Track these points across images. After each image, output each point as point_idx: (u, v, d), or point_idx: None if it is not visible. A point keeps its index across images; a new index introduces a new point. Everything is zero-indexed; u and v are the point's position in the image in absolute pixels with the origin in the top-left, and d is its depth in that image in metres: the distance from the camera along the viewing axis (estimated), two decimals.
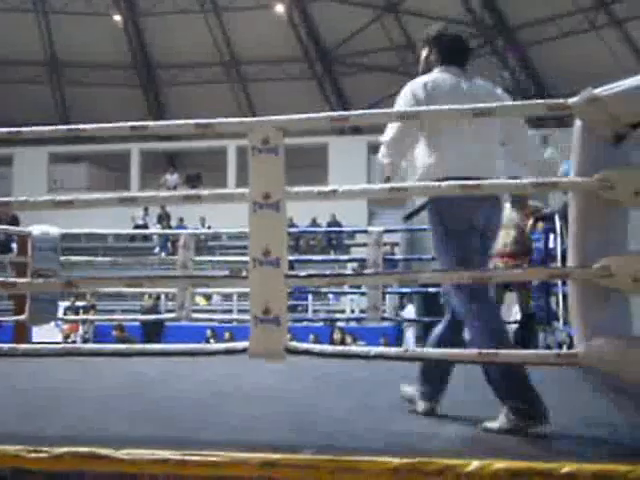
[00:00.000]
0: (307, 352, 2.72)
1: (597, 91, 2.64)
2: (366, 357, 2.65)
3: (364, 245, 8.93)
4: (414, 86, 3.24)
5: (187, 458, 2.45)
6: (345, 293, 14.07)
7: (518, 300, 7.31)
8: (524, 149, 3.35)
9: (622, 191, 2.61)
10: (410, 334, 15.84)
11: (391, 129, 3.22)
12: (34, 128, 3.20)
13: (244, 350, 2.85)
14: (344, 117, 2.79)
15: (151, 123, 2.81)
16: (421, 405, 3.35)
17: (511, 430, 2.87)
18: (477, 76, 3.39)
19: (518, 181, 3.09)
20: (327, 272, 16.70)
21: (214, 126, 2.99)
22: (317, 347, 2.71)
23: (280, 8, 23.43)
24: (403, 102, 3.22)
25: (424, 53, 3.48)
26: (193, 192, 3.31)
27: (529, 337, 7.04)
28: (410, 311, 15.71)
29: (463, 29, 22.57)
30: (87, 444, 2.54)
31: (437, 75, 3.31)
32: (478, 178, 2.95)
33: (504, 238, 7.19)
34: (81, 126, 3.10)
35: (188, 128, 2.97)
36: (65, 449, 2.52)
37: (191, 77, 24.79)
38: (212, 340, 13.06)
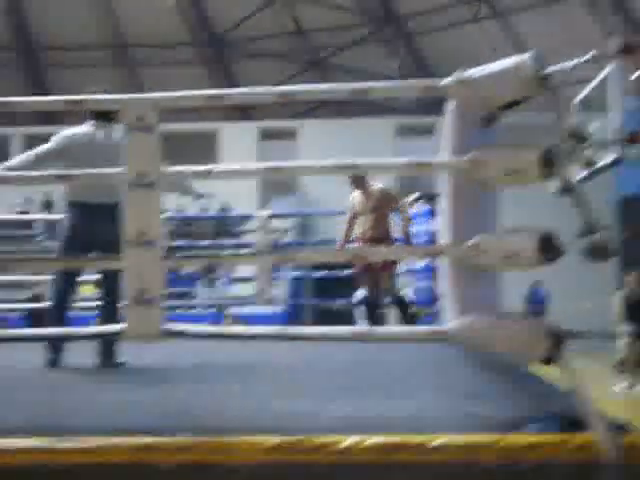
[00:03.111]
0: (183, 334, 2.68)
1: (468, 73, 2.69)
2: (244, 337, 2.63)
3: (255, 231, 8.91)
4: (63, 134, 4.65)
5: (56, 445, 2.36)
6: (233, 279, 14.00)
7: (382, 284, 7.21)
8: None
9: (492, 171, 2.68)
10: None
11: (40, 151, 4.63)
12: None
13: (119, 333, 2.78)
14: (220, 95, 2.76)
15: (16, 99, 2.69)
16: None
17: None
18: (119, 131, 4.28)
19: (396, 160, 3.13)
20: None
21: (87, 103, 2.89)
22: (193, 328, 2.67)
23: None
24: (55, 141, 4.63)
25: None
26: (67, 172, 3.19)
27: (406, 321, 6.97)
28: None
29: (351, 17, 22.85)
30: None
31: (82, 128, 4.64)
32: (93, 202, 4.41)
33: (363, 225, 7.10)
34: None
35: (58, 104, 2.87)
36: None
37: (76, 60, 23.98)
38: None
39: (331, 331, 2.71)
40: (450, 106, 2.79)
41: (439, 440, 2.30)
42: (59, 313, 4.55)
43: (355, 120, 21.54)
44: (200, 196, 4.93)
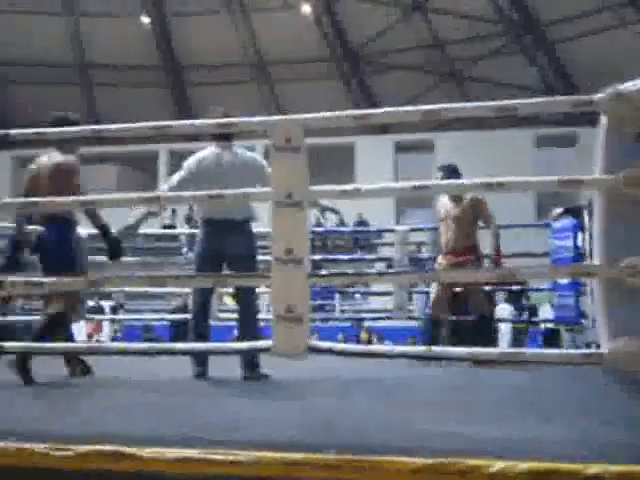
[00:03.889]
0: (329, 351, 2.71)
1: (623, 87, 2.60)
2: (388, 356, 2.63)
3: (391, 244, 8.92)
4: (192, 158, 4.83)
5: (210, 457, 2.44)
6: (371, 293, 14.03)
7: (471, 301, 6.43)
8: None
9: None
10: (506, 333, 15.19)
11: (175, 178, 4.83)
12: (59, 129, 3.23)
13: (267, 349, 2.85)
14: (366, 115, 2.79)
15: (174, 122, 2.82)
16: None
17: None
18: (241, 148, 4.84)
19: (546, 178, 3.06)
20: (351, 271, 16.69)
21: (236, 125, 2.99)
22: (339, 346, 2.70)
23: (306, 8, 23.46)
24: (186, 165, 4.83)
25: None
26: (215, 192, 3.31)
27: (483, 341, 5.63)
28: (504, 308, 14.40)
29: (488, 26, 22.49)
30: (110, 443, 2.55)
31: (207, 150, 4.82)
32: (223, 219, 4.65)
33: (445, 233, 6.44)
34: (105, 127, 3.13)
35: (211, 127, 2.98)
36: (89, 447, 2.52)
37: (218, 78, 24.88)
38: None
39: (478, 352, 2.67)
40: (603, 121, 2.70)
41: (593, 469, 2.21)
42: (200, 324, 4.81)
43: (493, 132, 21.17)
44: (328, 210, 4.96)
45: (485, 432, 2.81)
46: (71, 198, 3.44)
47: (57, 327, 4.47)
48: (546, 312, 12.56)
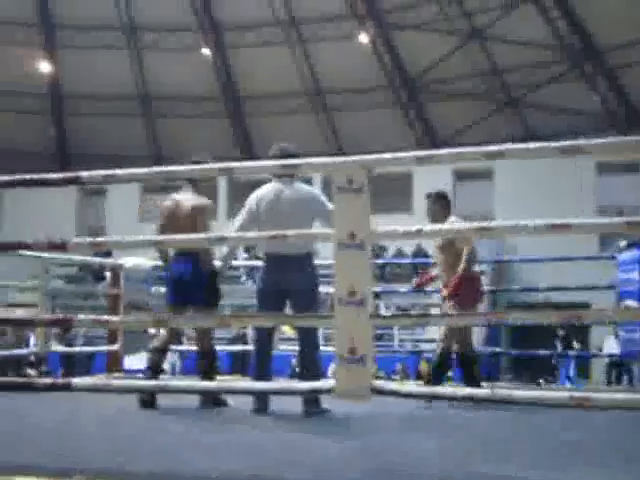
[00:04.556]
0: (393, 393, 2.71)
1: None
2: (454, 398, 2.61)
3: None
4: (253, 196, 4.88)
5: None
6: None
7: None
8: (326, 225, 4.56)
9: None
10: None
11: (238, 220, 4.92)
12: (128, 171, 3.31)
13: (329, 390, 2.85)
14: (427, 157, 2.80)
15: (236, 164, 2.88)
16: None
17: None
18: (300, 184, 4.78)
19: (612, 220, 3.02)
20: (413, 302, 16.64)
21: (300, 166, 3.03)
22: (404, 388, 2.69)
23: (364, 38, 23.63)
24: (247, 204, 4.89)
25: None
26: (279, 233, 3.34)
27: (469, 382, 5.46)
28: (612, 345, 13.05)
29: (547, 54, 22.30)
30: None
31: (267, 186, 4.83)
32: (284, 254, 4.67)
33: (437, 265, 5.95)
34: (171, 168, 3.20)
35: (274, 169, 3.03)
36: None
37: (277, 108, 25.19)
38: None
39: (544, 395, 2.63)
40: None
41: None
42: (262, 361, 4.86)
43: (553, 159, 20.88)
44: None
45: (546, 477, 2.74)
46: (136, 237, 3.51)
47: (215, 360, 5.07)
48: (611, 345, 12.26)
